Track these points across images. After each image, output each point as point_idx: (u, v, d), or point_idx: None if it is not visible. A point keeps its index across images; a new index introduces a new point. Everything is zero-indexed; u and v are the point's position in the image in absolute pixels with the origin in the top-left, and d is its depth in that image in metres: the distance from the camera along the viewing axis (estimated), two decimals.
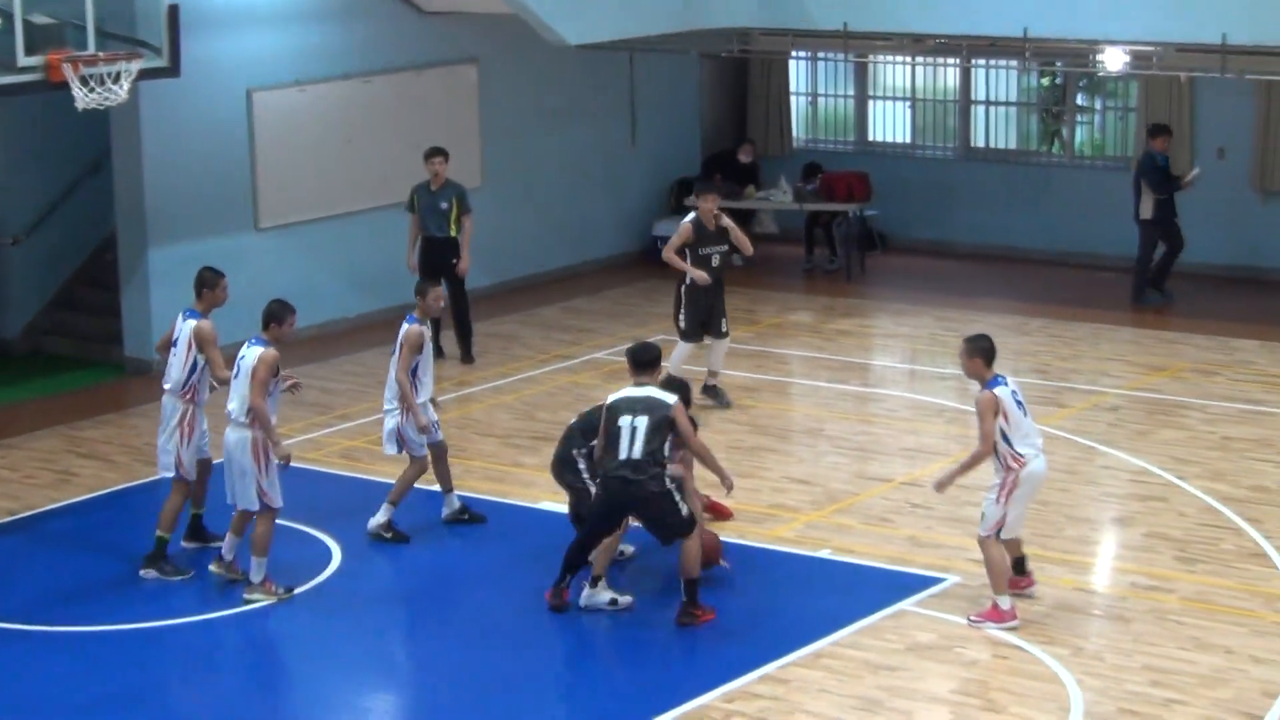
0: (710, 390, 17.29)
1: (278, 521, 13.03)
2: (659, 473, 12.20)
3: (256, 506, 12.87)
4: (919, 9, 19.84)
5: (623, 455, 12.17)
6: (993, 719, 10.99)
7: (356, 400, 17.75)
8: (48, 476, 15.82)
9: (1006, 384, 12.27)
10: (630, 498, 12.21)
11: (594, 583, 12.63)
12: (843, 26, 20.10)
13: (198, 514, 13.89)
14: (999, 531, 12.24)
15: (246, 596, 12.88)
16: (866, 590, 12.89)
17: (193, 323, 13.48)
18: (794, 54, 24.14)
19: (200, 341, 13.40)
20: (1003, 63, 23.00)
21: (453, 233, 18.58)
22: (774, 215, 24.39)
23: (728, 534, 13.64)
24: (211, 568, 13.32)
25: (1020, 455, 12.15)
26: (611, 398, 12.46)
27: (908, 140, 24.74)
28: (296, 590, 13.05)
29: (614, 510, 12.38)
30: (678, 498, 12.28)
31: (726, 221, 17.20)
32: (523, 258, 22.43)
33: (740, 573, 13.13)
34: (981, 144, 24.22)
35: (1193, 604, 12.60)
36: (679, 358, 17.08)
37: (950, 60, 23.23)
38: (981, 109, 24.23)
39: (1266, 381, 17.95)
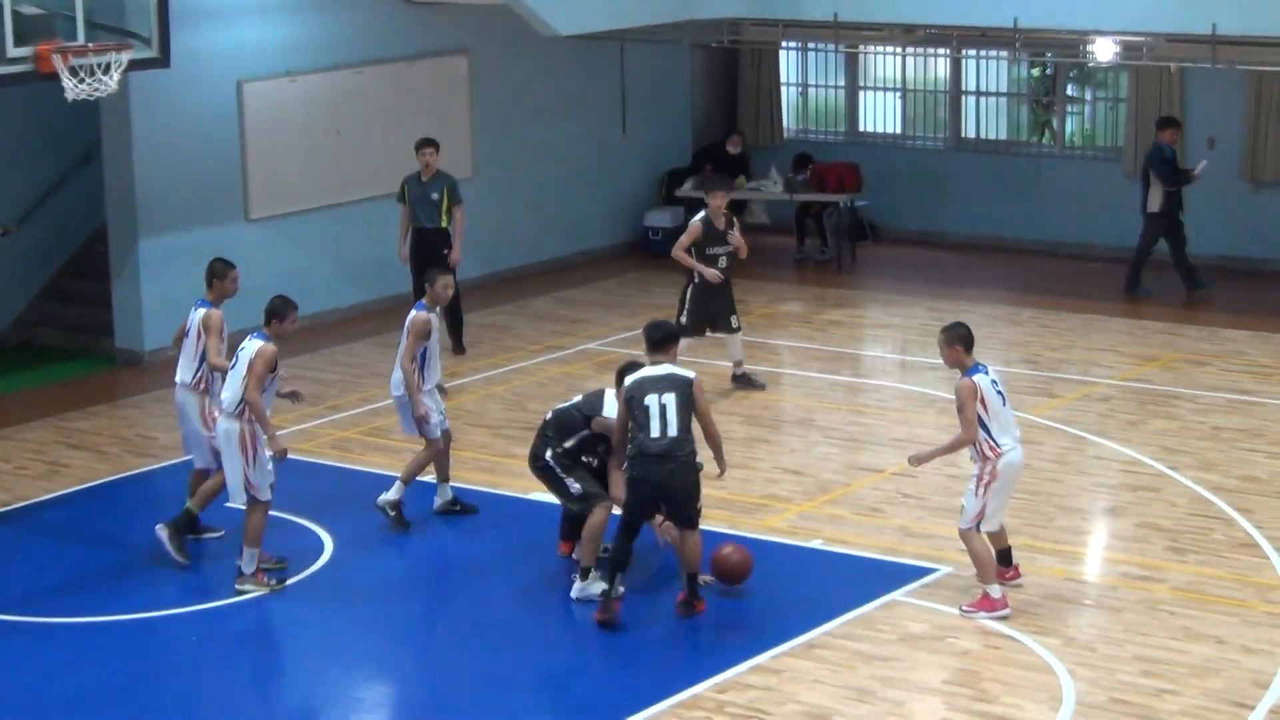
0: (741, 379, 17.40)
1: (270, 513, 13.03)
2: (693, 450, 12.10)
3: (244, 499, 12.87)
4: None
5: (655, 433, 11.97)
6: (985, 709, 11.00)
7: (348, 391, 17.75)
8: (39, 468, 15.81)
9: (987, 372, 12.26)
10: (668, 475, 11.99)
11: (584, 575, 12.61)
12: (833, 17, 20.10)
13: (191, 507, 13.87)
14: (979, 524, 12.27)
15: (238, 587, 12.87)
16: (858, 581, 12.90)
17: (202, 311, 13.57)
18: (784, 44, 24.17)
19: (205, 327, 13.45)
20: (993, 53, 23.03)
21: (444, 223, 18.56)
22: (765, 206, 24.41)
23: (720, 524, 13.63)
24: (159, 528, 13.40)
25: (998, 445, 12.15)
26: (629, 380, 12.27)
27: (898, 131, 24.75)
28: (288, 581, 13.05)
29: (652, 492, 12.14)
30: (709, 472, 12.18)
31: (735, 223, 17.22)
32: (514, 248, 22.43)
33: None
34: (972, 134, 24.24)
35: (1184, 594, 12.62)
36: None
37: (941, 51, 23.25)
38: (972, 99, 24.24)
39: (1257, 372, 17.97)
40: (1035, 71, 24.50)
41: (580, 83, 23.11)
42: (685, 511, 12.22)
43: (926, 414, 16.73)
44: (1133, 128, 22.58)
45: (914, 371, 18.38)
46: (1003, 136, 24.18)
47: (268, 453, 12.86)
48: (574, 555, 12.93)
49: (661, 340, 12.44)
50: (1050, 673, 11.44)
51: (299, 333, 18.82)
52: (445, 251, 18.44)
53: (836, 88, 25.15)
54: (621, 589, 12.52)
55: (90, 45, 15.78)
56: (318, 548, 13.74)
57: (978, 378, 12.17)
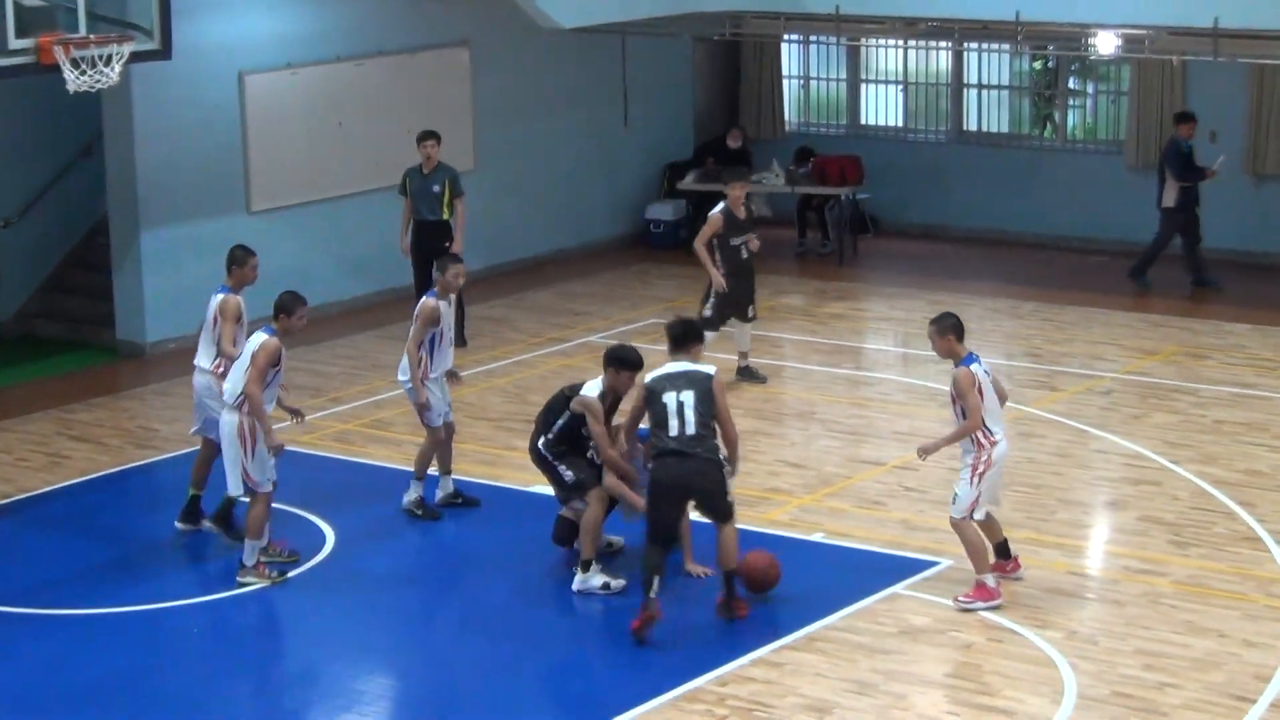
0: (745, 371, 17.39)
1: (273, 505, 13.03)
2: (714, 445, 11.93)
3: (241, 491, 12.87)
4: None
5: (674, 432, 11.83)
6: (986, 702, 11.01)
7: (349, 383, 17.75)
8: (40, 459, 15.81)
9: (980, 362, 12.29)
10: (689, 474, 11.82)
11: (585, 567, 12.61)
12: (835, 10, 20.08)
13: (196, 495, 13.89)
14: (973, 512, 12.28)
15: (240, 580, 12.88)
16: (860, 573, 12.90)
17: (220, 296, 13.57)
18: (786, 37, 24.14)
19: (221, 312, 13.45)
20: (995, 46, 22.99)
21: (445, 216, 18.56)
22: (766, 199, 24.37)
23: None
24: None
25: (992, 433, 12.18)
26: (648, 378, 12.15)
27: (900, 124, 24.72)
28: (290, 574, 13.05)
29: (673, 493, 11.92)
30: (727, 470, 12.07)
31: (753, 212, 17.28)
32: (515, 241, 22.42)
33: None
34: (973, 128, 24.22)
35: (1185, 588, 12.62)
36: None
37: (942, 44, 23.22)
38: (974, 92, 24.23)
39: (1259, 365, 17.97)
40: (1037, 65, 24.49)
41: (582, 75, 23.10)
42: (716, 505, 12.05)
43: (928, 407, 16.72)
44: (1134, 121, 22.57)
45: (915, 364, 18.37)
46: (1004, 130, 24.16)
47: (262, 446, 12.82)
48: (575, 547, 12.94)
49: (682, 338, 12.27)
50: (1052, 666, 11.44)
51: None
52: (446, 244, 18.42)
53: (838, 81, 25.13)
54: (622, 581, 12.52)
55: (92, 37, 15.76)
56: (319, 540, 13.74)
57: (974, 367, 12.20)
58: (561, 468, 12.87)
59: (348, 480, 15.01)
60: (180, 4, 17.26)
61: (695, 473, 11.86)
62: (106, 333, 19.28)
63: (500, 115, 22.04)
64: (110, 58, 15.77)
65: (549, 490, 13.60)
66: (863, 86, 24.97)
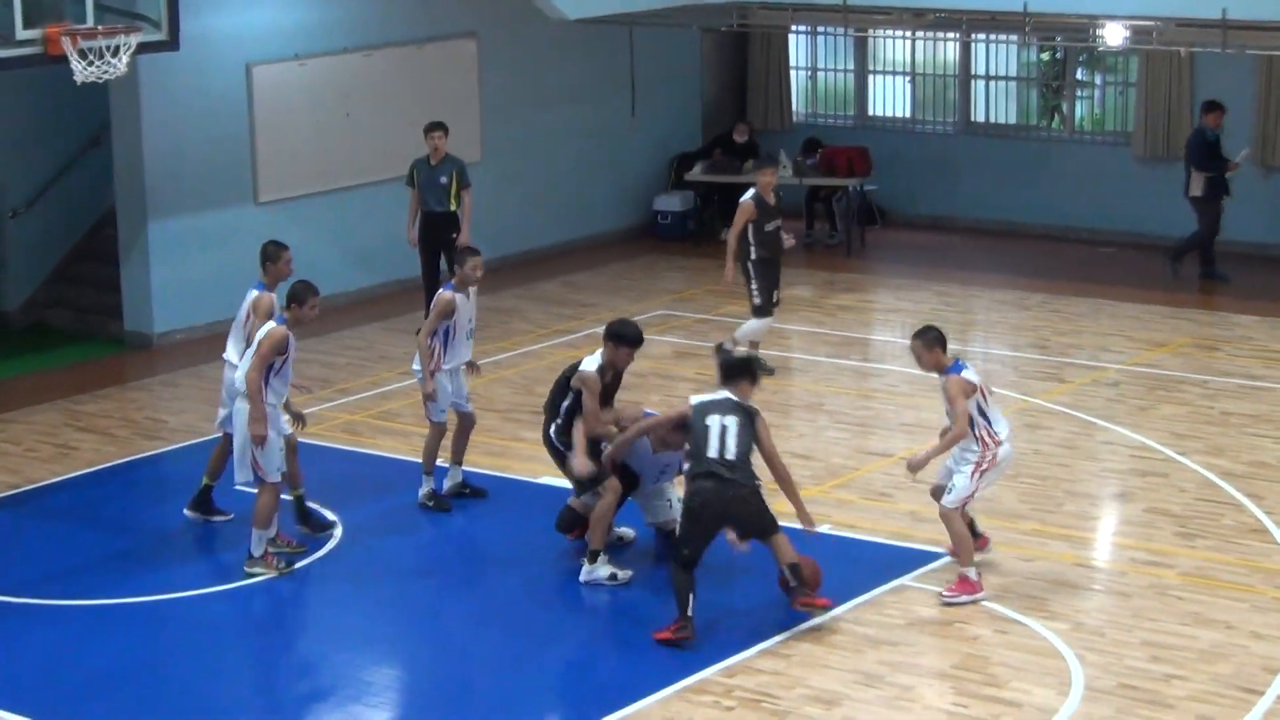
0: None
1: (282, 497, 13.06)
2: (752, 473, 11.83)
3: (251, 478, 12.88)
4: None
5: (713, 454, 11.73)
6: (993, 694, 11.00)
7: (357, 375, 17.75)
8: (48, 450, 15.83)
9: (969, 367, 12.33)
10: (728, 501, 11.70)
11: (592, 558, 12.61)
12: (842, 1, 20.06)
13: (209, 485, 13.89)
14: (964, 507, 12.28)
15: (247, 570, 12.89)
16: (867, 565, 12.90)
17: (255, 293, 13.57)
18: (794, 28, 24.14)
19: (254, 309, 13.45)
20: (1003, 37, 22.99)
21: (452, 207, 18.56)
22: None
23: None
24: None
25: (997, 434, 12.21)
26: (693, 400, 12.07)
27: (908, 115, 24.71)
28: (297, 565, 13.06)
29: (709, 517, 11.76)
30: (763, 493, 11.95)
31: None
32: (523, 232, 22.41)
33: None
34: (981, 119, 24.19)
35: (1193, 579, 12.62)
36: (751, 331, 17.18)
37: (950, 35, 23.21)
38: (981, 84, 24.20)
39: (1266, 357, 17.95)
40: (1045, 56, 24.46)
41: (589, 67, 23.09)
42: (760, 526, 11.89)
43: (935, 399, 16.61)
44: (1142, 112, 22.54)
45: None
46: (1012, 121, 24.13)
47: (275, 434, 12.80)
48: (585, 537, 12.94)
49: (733, 373, 12.16)
50: (1059, 658, 11.44)
51: None
52: (454, 235, 18.43)
53: (846, 72, 25.11)
54: (629, 573, 12.54)
55: (99, 28, 15.76)
56: (327, 531, 13.73)
57: (967, 374, 12.21)
58: (572, 458, 12.87)
59: (355, 471, 15.02)
60: None
61: (735, 499, 11.74)
62: (114, 324, 19.29)
63: (507, 107, 22.03)
64: (118, 48, 15.76)
65: (556, 482, 13.60)
66: (870, 77, 24.95)
